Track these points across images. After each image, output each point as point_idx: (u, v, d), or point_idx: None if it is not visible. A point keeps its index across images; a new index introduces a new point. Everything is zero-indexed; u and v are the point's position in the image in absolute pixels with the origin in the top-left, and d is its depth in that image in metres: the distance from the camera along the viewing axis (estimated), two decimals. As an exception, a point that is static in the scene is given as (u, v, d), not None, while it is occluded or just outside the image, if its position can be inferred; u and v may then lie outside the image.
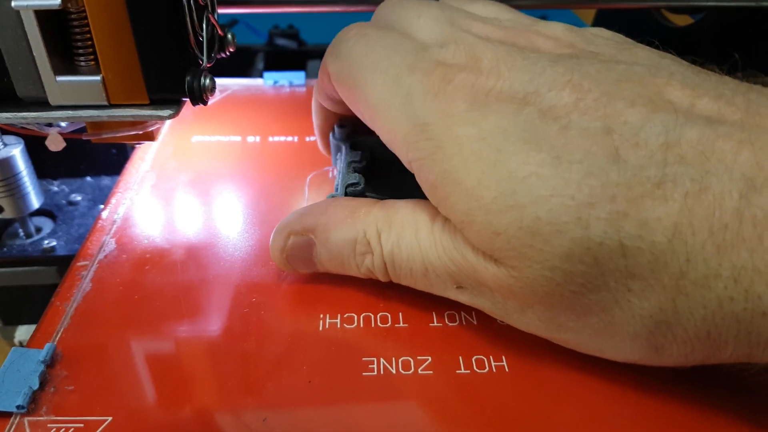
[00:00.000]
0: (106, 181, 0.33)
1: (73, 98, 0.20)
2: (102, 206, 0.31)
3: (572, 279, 0.16)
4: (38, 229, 0.31)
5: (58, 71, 0.19)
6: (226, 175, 0.28)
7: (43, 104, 0.20)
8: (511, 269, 0.16)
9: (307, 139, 0.31)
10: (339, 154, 0.25)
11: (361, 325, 0.20)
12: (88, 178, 0.34)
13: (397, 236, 0.19)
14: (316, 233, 0.21)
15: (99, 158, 0.33)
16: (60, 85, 0.20)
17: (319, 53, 0.52)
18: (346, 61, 0.21)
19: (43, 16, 0.18)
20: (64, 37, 0.20)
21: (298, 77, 0.36)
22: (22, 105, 0.21)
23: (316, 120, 0.27)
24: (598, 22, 0.54)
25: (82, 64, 0.20)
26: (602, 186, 0.15)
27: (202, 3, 0.20)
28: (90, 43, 0.20)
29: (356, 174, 0.23)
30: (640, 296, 0.15)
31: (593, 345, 0.17)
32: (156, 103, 0.20)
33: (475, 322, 0.20)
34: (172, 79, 0.20)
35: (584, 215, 0.15)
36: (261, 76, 0.48)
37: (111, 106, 0.20)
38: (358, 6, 0.30)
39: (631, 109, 0.16)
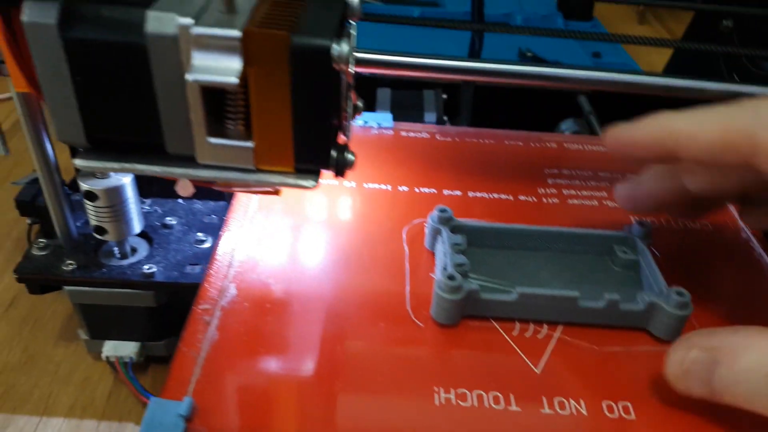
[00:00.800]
0: (197, 205, 0.34)
1: (220, 159, 0.21)
2: (198, 234, 0.32)
3: None
4: (133, 250, 0.32)
5: (210, 133, 0.20)
6: (328, 221, 0.29)
7: (188, 161, 0.21)
8: None
9: (399, 188, 0.32)
10: (438, 236, 0.27)
11: (476, 404, 0.21)
12: (180, 201, 0.35)
13: None
14: (722, 353, 0.19)
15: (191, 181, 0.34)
16: (210, 146, 0.21)
17: (387, 81, 0.53)
18: None
19: (206, 87, 0.19)
20: (216, 99, 0.21)
21: (386, 120, 0.37)
22: (168, 159, 0.22)
23: (652, 183, 0.25)
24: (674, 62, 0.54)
25: (230, 127, 0.21)
26: None
27: (351, 82, 0.21)
28: (242, 108, 0.21)
29: (462, 255, 0.24)
30: None
31: None
32: (299, 171, 0.21)
33: (585, 413, 0.21)
34: (320, 151, 0.21)
35: None
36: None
37: (257, 170, 0.21)
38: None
39: None
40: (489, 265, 0.26)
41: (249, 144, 0.21)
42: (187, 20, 0.18)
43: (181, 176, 0.21)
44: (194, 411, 0.19)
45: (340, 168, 0.21)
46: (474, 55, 0.50)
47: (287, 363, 0.22)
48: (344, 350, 0.22)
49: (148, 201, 0.35)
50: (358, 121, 0.37)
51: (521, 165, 0.35)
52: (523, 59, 0.66)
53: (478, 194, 0.32)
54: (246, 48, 0.19)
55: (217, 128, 0.21)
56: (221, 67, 0.18)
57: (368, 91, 0.51)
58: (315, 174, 0.22)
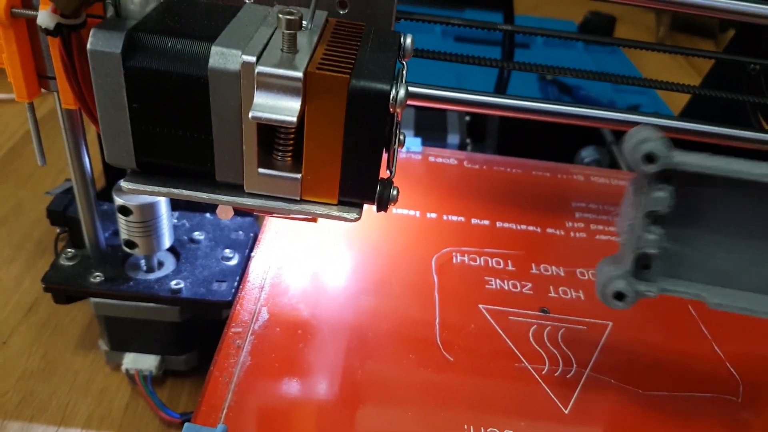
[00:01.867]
0: (225, 221, 0.35)
1: (267, 189, 0.21)
2: (225, 250, 0.32)
3: None
4: (160, 264, 0.32)
5: (260, 164, 0.21)
6: (357, 245, 0.29)
7: (235, 188, 0.22)
8: None
9: (428, 215, 0.32)
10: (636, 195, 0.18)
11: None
12: (208, 215, 0.35)
13: None
14: None
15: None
16: (259, 176, 0.21)
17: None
18: None
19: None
20: (267, 132, 0.21)
21: (415, 145, 0.37)
22: (214, 185, 0.22)
23: None
24: (691, 110, 0.54)
25: (278, 158, 0.21)
26: None
27: (400, 120, 0.21)
28: (292, 143, 0.21)
29: (655, 231, 0.16)
30: None
31: None
32: (341, 203, 0.21)
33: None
34: (367, 187, 0.21)
35: None
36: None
37: (301, 201, 0.21)
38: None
39: None
40: (710, 267, 0.16)
41: (297, 176, 0.21)
42: (251, 58, 0.19)
43: (228, 203, 0.22)
44: (229, 439, 0.19)
45: (384, 203, 0.21)
46: (500, 88, 0.50)
47: (317, 390, 0.22)
48: (374, 380, 0.22)
49: (176, 214, 0.35)
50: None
51: (549, 197, 0.35)
52: (544, 81, 0.67)
53: (506, 225, 0.32)
54: (306, 88, 0.19)
55: (266, 159, 0.21)
56: (282, 107, 0.19)
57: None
58: (359, 207, 0.22)
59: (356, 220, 0.22)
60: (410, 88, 0.33)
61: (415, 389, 0.22)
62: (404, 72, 0.21)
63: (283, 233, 0.29)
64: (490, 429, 0.21)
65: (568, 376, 0.24)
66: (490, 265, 0.29)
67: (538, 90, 0.66)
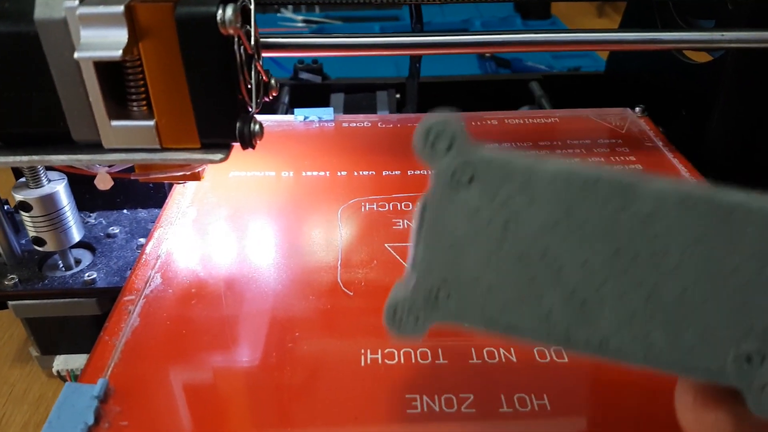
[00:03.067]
0: (142, 213, 0.34)
1: (126, 141, 0.21)
2: (140, 239, 0.32)
3: None
4: (77, 261, 0.32)
5: (112, 116, 0.20)
6: (263, 209, 0.29)
7: (96, 147, 0.21)
8: None
9: (338, 173, 0.32)
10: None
11: (402, 361, 0.20)
12: (125, 211, 0.35)
13: None
14: None
15: (135, 192, 0.34)
16: (114, 129, 0.21)
17: (340, 87, 0.53)
18: None
19: (100, 65, 0.19)
20: (118, 84, 0.21)
21: (327, 113, 0.37)
22: (76, 147, 0.22)
23: None
24: (613, 61, 0.55)
25: (135, 109, 0.21)
26: None
27: (250, 52, 0.21)
28: (143, 89, 0.21)
29: None
30: None
31: None
32: (206, 147, 0.21)
33: (514, 360, 0.20)
34: (224, 124, 0.21)
35: None
36: (287, 109, 0.49)
37: (163, 149, 0.21)
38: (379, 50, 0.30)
39: None
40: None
41: (150, 123, 0.21)
42: (73, 2, 0.19)
43: (88, 162, 0.21)
44: (109, 392, 0.19)
45: (247, 139, 0.21)
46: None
47: (210, 344, 0.21)
48: (268, 323, 0.22)
49: (93, 214, 0.35)
50: (299, 117, 0.37)
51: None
52: (482, 59, 0.67)
53: (417, 172, 0.32)
54: (133, 22, 0.19)
55: (122, 112, 0.21)
56: (108, 43, 0.19)
57: (323, 97, 0.52)
58: (224, 148, 0.22)
59: (222, 160, 0.21)
60: (310, 39, 0.30)
61: (311, 325, 0.22)
62: (252, 7, 0.21)
63: (185, 207, 0.29)
64: (387, 350, 0.21)
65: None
66: (399, 208, 0.29)
67: (478, 68, 0.66)
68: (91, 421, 0.18)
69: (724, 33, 0.27)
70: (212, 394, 0.20)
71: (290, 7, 0.79)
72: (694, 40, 0.28)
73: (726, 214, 0.13)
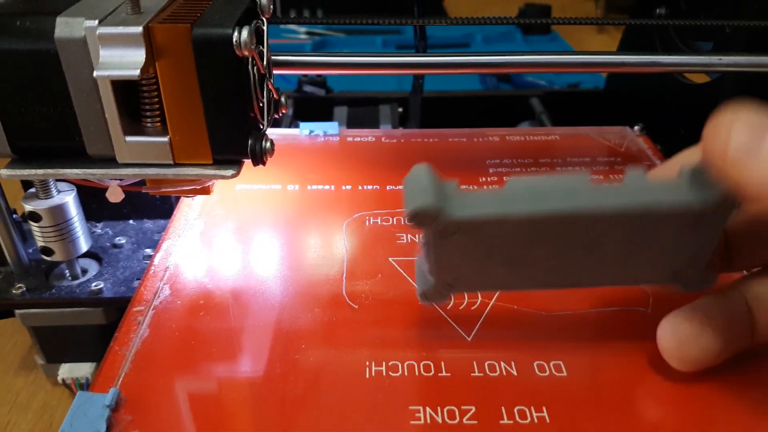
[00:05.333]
0: (148, 224, 0.35)
1: (140, 157, 0.22)
2: (147, 250, 0.32)
3: None
4: (84, 271, 0.32)
5: (127, 132, 0.21)
6: (269, 222, 0.29)
7: (110, 161, 0.22)
8: None
9: (343, 188, 0.32)
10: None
11: (406, 374, 0.21)
12: (131, 222, 0.35)
13: None
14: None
15: (142, 202, 0.35)
16: (128, 144, 0.21)
17: (344, 101, 0.54)
18: None
19: (117, 83, 0.20)
20: (133, 100, 0.21)
21: (332, 128, 0.38)
22: (90, 161, 0.22)
23: None
24: (613, 78, 0.56)
25: (149, 125, 0.22)
26: None
27: (263, 71, 0.22)
28: (157, 106, 0.21)
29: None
30: None
31: None
32: (218, 163, 0.22)
33: (515, 373, 0.21)
34: (236, 141, 0.21)
35: None
36: (290, 121, 0.50)
37: (176, 164, 0.22)
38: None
39: None
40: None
41: (164, 139, 0.21)
42: (93, 22, 0.19)
43: (102, 176, 0.22)
44: (120, 402, 0.19)
45: (258, 156, 0.22)
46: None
47: (218, 355, 0.22)
48: (274, 335, 0.23)
49: (100, 224, 0.35)
50: (305, 131, 0.38)
51: (465, 158, 0.36)
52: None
53: (420, 187, 0.32)
54: (150, 43, 0.19)
55: (136, 128, 0.22)
56: (126, 62, 0.19)
57: (326, 110, 0.53)
58: (235, 164, 0.22)
59: (233, 176, 0.22)
60: (317, 58, 0.31)
61: (316, 338, 0.22)
62: (265, 28, 0.22)
63: (193, 219, 0.30)
64: (391, 362, 0.21)
65: (472, 308, 0.24)
66: (403, 223, 0.29)
67: (479, 82, 0.67)
68: (102, 429, 0.18)
69: (722, 57, 0.28)
70: (220, 403, 0.20)
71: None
72: (693, 64, 0.29)
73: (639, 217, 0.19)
